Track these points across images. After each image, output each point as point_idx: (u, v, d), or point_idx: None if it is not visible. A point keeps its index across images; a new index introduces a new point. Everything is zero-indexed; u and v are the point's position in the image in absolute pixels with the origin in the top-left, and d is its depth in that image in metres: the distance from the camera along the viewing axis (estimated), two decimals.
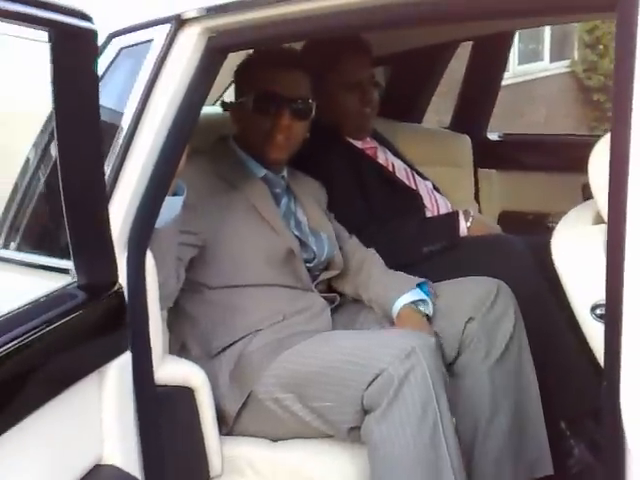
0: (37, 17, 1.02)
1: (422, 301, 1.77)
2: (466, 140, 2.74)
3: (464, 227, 2.08)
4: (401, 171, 2.29)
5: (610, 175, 1.02)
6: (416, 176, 2.30)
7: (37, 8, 1.01)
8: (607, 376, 1.02)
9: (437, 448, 1.42)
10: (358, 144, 2.24)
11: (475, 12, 1.22)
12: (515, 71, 7.11)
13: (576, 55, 8.34)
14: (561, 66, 8.20)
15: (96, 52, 1.11)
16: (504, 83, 6.06)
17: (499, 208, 2.75)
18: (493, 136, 2.89)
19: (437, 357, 1.49)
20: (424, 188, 2.27)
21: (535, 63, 7.77)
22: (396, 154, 2.34)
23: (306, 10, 1.30)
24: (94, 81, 1.11)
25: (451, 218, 2.13)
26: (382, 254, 1.95)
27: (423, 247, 2.03)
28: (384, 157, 2.29)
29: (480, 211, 2.71)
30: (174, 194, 1.48)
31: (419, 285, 1.80)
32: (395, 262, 1.93)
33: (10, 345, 1.04)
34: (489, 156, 2.77)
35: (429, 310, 1.77)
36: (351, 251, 1.93)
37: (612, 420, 1.00)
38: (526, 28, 2.62)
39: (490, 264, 1.87)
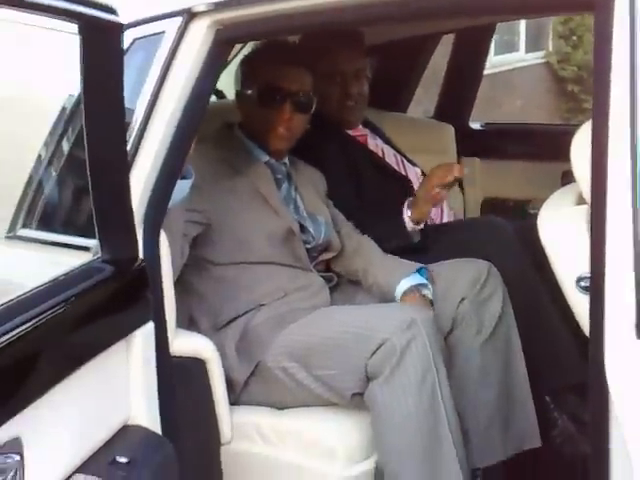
0: (68, 10, 1.10)
1: (423, 285, 1.86)
2: (450, 129, 2.84)
3: (407, 219, 2.06)
4: (391, 157, 2.38)
5: (592, 160, 1.13)
6: (405, 162, 2.39)
7: (68, 2, 1.10)
8: (592, 343, 1.12)
9: (436, 413, 1.54)
10: (349, 131, 2.31)
11: (461, 9, 1.33)
12: (492, 62, 7.24)
13: (550, 46, 8.47)
14: (536, 57, 8.33)
15: (122, 44, 1.20)
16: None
17: (482, 195, 2.85)
18: (475, 125, 3.00)
19: (436, 329, 1.60)
20: (413, 174, 2.36)
21: (511, 54, 7.90)
22: (387, 141, 2.43)
23: (309, 5, 1.40)
24: (120, 71, 1.20)
25: (395, 219, 2.10)
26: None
27: (385, 244, 2.06)
28: (374, 144, 2.37)
29: (463, 197, 2.81)
30: (182, 177, 1.57)
31: (418, 270, 1.88)
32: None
33: (46, 314, 1.12)
34: (472, 145, 2.86)
35: (430, 294, 1.85)
36: (347, 234, 2.01)
37: (597, 385, 1.10)
38: (506, 21, 2.71)
39: (482, 244, 1.96)
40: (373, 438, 1.61)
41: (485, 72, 6.51)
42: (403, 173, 2.35)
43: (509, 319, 1.83)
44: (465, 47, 2.88)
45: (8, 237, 1.53)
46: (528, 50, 8.19)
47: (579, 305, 1.22)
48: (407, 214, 2.03)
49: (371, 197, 2.18)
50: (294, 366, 1.65)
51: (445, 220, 2.32)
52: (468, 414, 1.75)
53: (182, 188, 1.57)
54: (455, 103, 2.94)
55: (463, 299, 1.81)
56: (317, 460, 1.62)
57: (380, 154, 2.37)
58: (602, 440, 1.12)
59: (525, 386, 1.81)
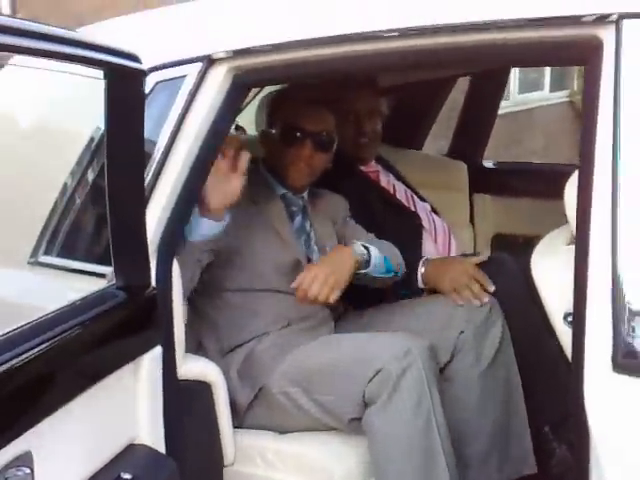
0: (95, 59, 1.21)
1: (367, 262, 1.84)
2: (462, 166, 2.93)
3: (419, 276, 2.09)
4: (401, 193, 2.46)
5: (577, 204, 1.21)
6: (415, 198, 2.47)
7: (96, 52, 1.20)
8: (573, 375, 1.20)
9: (431, 437, 1.60)
10: (362, 168, 2.40)
11: (465, 60, 1.42)
12: (515, 100, 7.31)
13: (575, 85, 8.52)
14: (561, 96, 8.38)
15: (144, 89, 1.30)
16: (504, 111, 6.26)
17: (492, 231, 2.92)
18: (488, 164, 3.08)
19: (431, 357, 1.67)
20: (423, 209, 2.44)
21: (535, 92, 7.96)
22: (398, 177, 2.51)
23: (320, 54, 1.49)
24: (141, 113, 1.29)
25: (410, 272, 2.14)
26: None
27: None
28: (386, 180, 2.46)
29: (474, 232, 2.89)
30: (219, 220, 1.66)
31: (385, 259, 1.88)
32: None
33: (60, 337, 1.21)
34: (484, 182, 2.95)
35: (365, 268, 1.83)
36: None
37: (577, 413, 1.18)
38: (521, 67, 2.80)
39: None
40: (370, 462, 1.68)
41: (509, 110, 6.58)
42: (413, 209, 2.42)
43: (508, 350, 1.88)
44: (480, 88, 2.97)
45: (30, 263, 1.62)
46: (552, 89, 8.24)
47: (567, 340, 1.29)
48: (421, 271, 2.06)
49: (381, 232, 2.25)
50: (296, 391, 1.73)
51: (453, 253, 2.38)
52: (467, 441, 1.82)
53: (215, 228, 1.67)
54: (469, 142, 3.02)
55: (462, 331, 1.86)
56: None
57: (391, 190, 2.45)
58: (583, 461, 1.18)
59: (522, 415, 1.87)
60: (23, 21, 1.05)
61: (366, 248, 1.87)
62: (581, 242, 1.20)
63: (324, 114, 1.96)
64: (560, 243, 1.42)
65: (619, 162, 1.13)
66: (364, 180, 2.39)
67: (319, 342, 1.79)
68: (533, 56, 1.39)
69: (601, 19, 1.17)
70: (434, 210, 2.51)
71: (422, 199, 2.51)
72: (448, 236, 2.45)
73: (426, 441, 1.60)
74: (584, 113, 1.21)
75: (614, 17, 1.16)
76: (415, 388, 1.60)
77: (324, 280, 1.72)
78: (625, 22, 1.14)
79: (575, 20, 1.20)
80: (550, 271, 1.36)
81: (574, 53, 1.27)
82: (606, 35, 1.17)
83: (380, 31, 1.37)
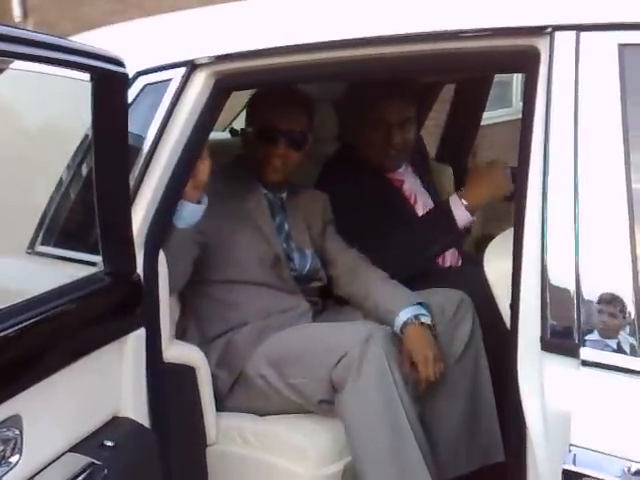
0: (82, 64, 1.33)
1: (421, 314, 1.93)
2: (448, 170, 3.04)
3: (463, 215, 2.10)
4: (420, 208, 2.38)
5: (515, 202, 1.33)
6: None
7: (81, 57, 1.33)
8: (509, 355, 1.31)
9: (396, 409, 1.71)
10: (387, 174, 2.37)
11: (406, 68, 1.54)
12: (517, 107, 7.39)
13: None
14: None
15: (126, 90, 1.43)
16: (507, 119, 6.33)
17: (477, 232, 3.02)
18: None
19: (392, 341, 1.79)
20: None
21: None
22: (427, 188, 2.47)
23: (298, 60, 1.60)
24: (124, 112, 1.42)
25: (442, 209, 2.16)
26: (391, 270, 2.07)
27: (426, 251, 2.12)
28: (409, 191, 2.40)
29: None
30: (198, 202, 1.78)
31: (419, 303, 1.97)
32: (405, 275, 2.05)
33: (51, 313, 1.34)
34: None
35: (429, 319, 1.92)
36: (347, 260, 2.13)
37: (510, 386, 1.29)
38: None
39: (461, 280, 2.08)
40: (345, 443, 1.79)
41: (512, 117, 6.63)
42: None
43: (478, 344, 1.98)
44: (465, 97, 3.08)
45: (28, 253, 1.75)
46: None
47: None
48: (463, 203, 2.09)
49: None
50: (271, 374, 1.85)
51: (449, 254, 2.36)
52: (437, 430, 1.91)
53: (196, 212, 1.77)
54: (455, 147, 3.13)
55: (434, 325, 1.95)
56: (291, 461, 1.81)
57: (412, 201, 2.38)
58: (518, 437, 1.28)
59: (491, 405, 1.96)
60: (17, 29, 1.18)
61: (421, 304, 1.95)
62: (517, 236, 1.32)
63: (297, 114, 2.06)
64: (509, 241, 1.53)
65: (549, 163, 1.24)
66: (384, 186, 2.34)
67: (292, 329, 1.92)
68: (478, 64, 1.51)
69: (538, 30, 1.29)
70: None
71: None
72: (457, 254, 2.44)
73: (392, 415, 1.70)
74: (522, 118, 1.32)
75: (549, 29, 1.27)
76: (376, 368, 1.71)
77: (432, 362, 1.87)
78: (557, 34, 1.26)
79: (515, 31, 1.31)
80: (499, 265, 1.46)
81: (515, 62, 1.38)
82: (543, 45, 1.29)
83: (343, 40, 1.49)
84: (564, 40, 1.25)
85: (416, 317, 1.92)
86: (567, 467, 1.06)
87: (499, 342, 1.99)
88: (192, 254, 1.85)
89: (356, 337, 1.74)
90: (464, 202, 2.13)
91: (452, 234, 2.16)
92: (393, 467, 1.71)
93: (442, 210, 2.18)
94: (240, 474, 1.89)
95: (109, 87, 1.38)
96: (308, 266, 2.10)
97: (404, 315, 1.92)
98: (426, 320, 1.92)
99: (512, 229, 1.57)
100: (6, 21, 6.34)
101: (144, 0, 5.84)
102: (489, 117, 6.61)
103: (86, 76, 1.37)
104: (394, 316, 1.93)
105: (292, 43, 1.57)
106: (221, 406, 1.89)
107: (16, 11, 6.56)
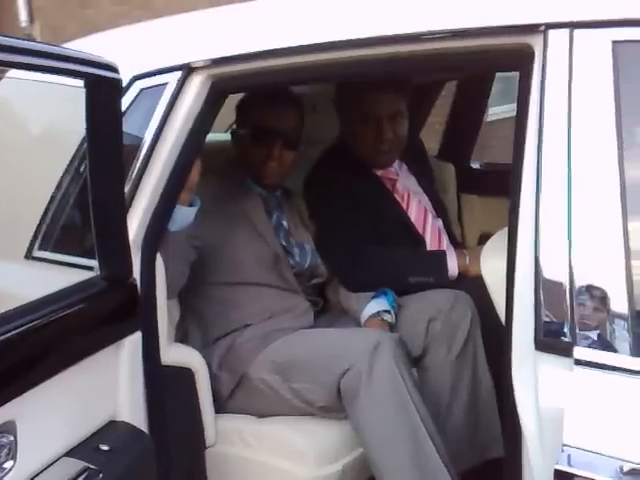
0: (76, 70, 1.34)
1: (385, 311, 2.02)
2: (450, 168, 3.03)
3: (454, 266, 2.13)
4: (413, 208, 2.34)
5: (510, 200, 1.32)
6: (429, 215, 2.37)
7: (76, 64, 1.33)
8: (504, 354, 1.30)
9: (412, 419, 1.71)
10: (379, 172, 2.33)
11: (419, 68, 1.53)
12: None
13: None
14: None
15: (120, 96, 1.43)
16: (510, 115, 6.28)
17: (479, 230, 3.00)
18: (475, 165, 3.17)
19: (400, 346, 1.78)
20: (432, 231, 2.33)
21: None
22: (422, 186, 2.42)
23: (292, 63, 1.60)
24: (118, 117, 1.43)
25: (439, 256, 2.18)
26: (372, 279, 2.10)
27: (409, 277, 2.12)
28: (402, 189, 2.35)
29: (463, 231, 2.99)
30: (190, 205, 1.77)
31: (385, 293, 2.04)
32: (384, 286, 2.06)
33: (49, 317, 1.35)
34: (471, 182, 3.03)
35: (391, 318, 2.02)
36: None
37: (505, 386, 1.28)
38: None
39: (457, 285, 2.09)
40: (344, 444, 1.81)
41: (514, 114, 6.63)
42: (420, 231, 2.31)
43: (477, 341, 1.98)
44: (467, 94, 3.06)
45: (26, 258, 1.75)
46: None
47: None
48: (465, 261, 2.11)
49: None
50: (274, 379, 1.85)
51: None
52: (440, 426, 1.89)
53: (188, 215, 1.76)
54: (457, 144, 3.12)
55: (431, 320, 1.95)
56: (290, 462, 1.81)
57: (405, 203, 2.33)
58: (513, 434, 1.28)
59: (492, 401, 1.96)
60: (11, 39, 1.18)
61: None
62: (511, 235, 1.32)
63: (290, 114, 2.06)
64: (505, 240, 1.52)
65: (542, 160, 1.24)
66: (375, 186, 2.30)
67: (298, 334, 1.93)
68: (472, 63, 1.50)
69: (531, 28, 1.28)
70: (448, 226, 2.46)
71: (439, 212, 2.42)
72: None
73: (408, 420, 1.70)
74: (516, 115, 1.32)
75: (542, 27, 1.27)
76: (388, 376, 1.71)
77: None
78: (551, 31, 1.25)
79: (508, 30, 1.31)
80: (495, 264, 1.46)
81: (509, 60, 1.38)
82: (536, 43, 1.28)
83: (338, 41, 1.49)
84: (557, 38, 1.25)
85: (379, 313, 2.01)
86: (559, 467, 1.05)
87: (498, 342, 2.04)
88: (188, 257, 1.86)
89: (364, 345, 1.75)
90: (460, 262, 2.14)
91: (437, 275, 2.15)
92: (415, 471, 1.70)
93: (436, 253, 2.22)
94: (240, 476, 1.89)
95: (103, 93, 1.39)
96: (308, 261, 2.11)
97: (368, 310, 2.02)
98: (387, 318, 2.00)
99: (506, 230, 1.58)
100: (12, 25, 6.37)
101: (150, 1, 5.86)
102: (497, 112, 6.62)
103: (80, 82, 1.38)
104: (361, 311, 2.02)
105: (288, 45, 1.58)
106: (221, 408, 1.90)
107: (22, 15, 6.58)
